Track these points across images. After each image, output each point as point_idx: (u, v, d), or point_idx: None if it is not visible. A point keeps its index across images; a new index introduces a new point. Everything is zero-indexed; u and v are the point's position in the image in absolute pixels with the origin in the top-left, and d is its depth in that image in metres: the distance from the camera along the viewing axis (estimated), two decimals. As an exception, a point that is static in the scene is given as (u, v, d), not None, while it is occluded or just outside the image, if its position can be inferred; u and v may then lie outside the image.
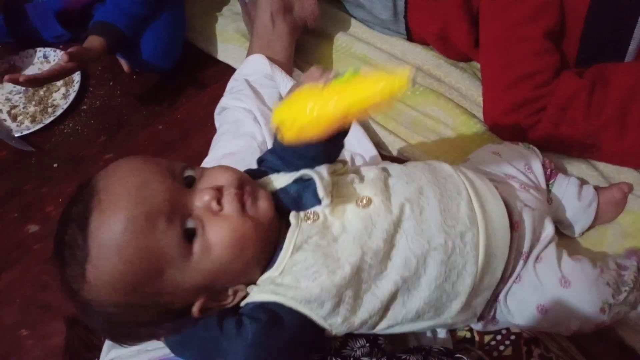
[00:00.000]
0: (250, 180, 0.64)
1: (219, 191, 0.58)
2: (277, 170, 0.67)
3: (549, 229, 0.74)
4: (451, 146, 0.99)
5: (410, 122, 1.03)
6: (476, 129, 1.00)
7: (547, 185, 0.86)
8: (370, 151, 0.94)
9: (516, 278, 0.70)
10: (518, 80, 0.92)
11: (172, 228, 0.56)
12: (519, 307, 0.70)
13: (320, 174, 0.64)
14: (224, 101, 0.97)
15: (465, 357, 0.67)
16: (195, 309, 0.59)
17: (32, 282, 0.98)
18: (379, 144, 0.99)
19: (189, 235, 0.57)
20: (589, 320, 0.70)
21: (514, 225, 0.70)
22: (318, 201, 0.63)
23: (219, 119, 0.98)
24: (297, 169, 0.66)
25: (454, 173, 0.70)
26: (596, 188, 0.88)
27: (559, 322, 0.71)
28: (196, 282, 0.57)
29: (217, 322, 0.59)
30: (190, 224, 0.57)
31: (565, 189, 0.86)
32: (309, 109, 0.55)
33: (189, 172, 0.61)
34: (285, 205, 0.64)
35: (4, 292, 0.98)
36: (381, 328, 0.65)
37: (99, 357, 0.80)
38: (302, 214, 0.63)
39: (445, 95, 1.05)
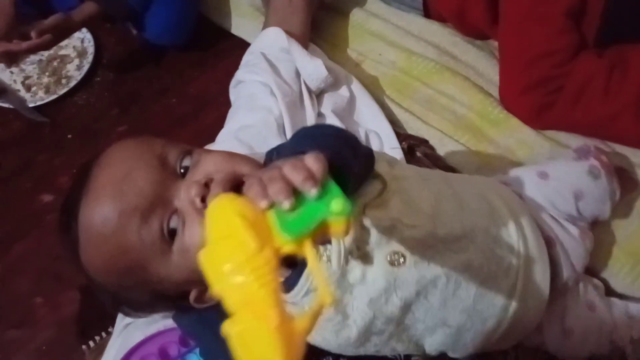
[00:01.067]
0: (243, 175, 0.54)
1: (206, 186, 0.52)
2: None
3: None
4: (466, 125, 0.98)
5: (426, 100, 1.01)
6: (492, 108, 0.99)
7: None
8: (385, 129, 0.94)
9: None
10: (536, 59, 0.90)
11: (147, 227, 0.53)
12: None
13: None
14: (239, 74, 0.96)
15: None
16: (191, 298, 0.58)
17: (45, 252, 0.98)
18: (393, 122, 0.98)
19: (171, 233, 0.53)
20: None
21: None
22: None
23: (234, 92, 0.97)
24: None
25: (516, 242, 0.62)
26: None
27: (578, 344, 0.71)
28: (182, 276, 0.55)
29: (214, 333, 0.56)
30: (172, 222, 0.53)
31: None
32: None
33: (186, 162, 0.56)
34: None
35: (18, 262, 0.99)
36: None
37: (112, 325, 0.82)
38: (320, 249, 0.53)
39: (462, 74, 1.04)
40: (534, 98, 0.92)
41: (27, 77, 1.22)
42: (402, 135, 0.94)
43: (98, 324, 0.88)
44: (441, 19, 1.13)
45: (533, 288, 0.62)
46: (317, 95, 0.97)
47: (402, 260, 0.54)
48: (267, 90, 0.90)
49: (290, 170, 0.39)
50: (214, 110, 1.09)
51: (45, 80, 1.21)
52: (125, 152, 0.57)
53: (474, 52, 1.07)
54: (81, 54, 1.24)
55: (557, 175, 0.74)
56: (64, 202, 0.60)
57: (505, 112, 0.98)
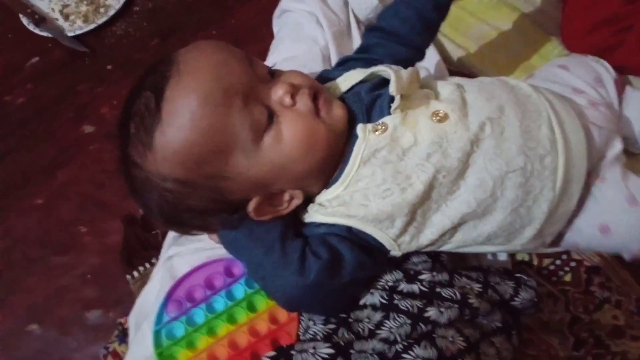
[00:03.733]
0: (324, 88, 0.62)
1: (293, 87, 0.57)
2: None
3: (617, 147, 0.69)
4: (521, 63, 0.93)
5: (480, 36, 0.96)
6: (552, 48, 0.93)
7: (619, 97, 0.80)
8: (437, 64, 0.89)
9: None
10: (605, -6, 0.84)
11: (248, 110, 0.55)
12: (581, 226, 0.67)
13: (397, 70, 0.61)
14: (284, 3, 0.92)
15: (524, 277, 0.66)
16: (251, 206, 0.58)
17: (88, 181, 0.99)
18: (445, 59, 0.93)
19: (263, 122, 0.55)
20: None
21: None
22: (389, 113, 0.61)
23: (278, 22, 0.93)
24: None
25: (534, 93, 0.65)
26: None
27: (622, 242, 0.67)
28: (259, 173, 0.56)
29: (280, 239, 0.58)
30: (265, 112, 0.56)
31: (632, 104, 0.80)
32: None
33: (265, 67, 0.60)
34: (354, 116, 0.61)
35: (62, 189, 1.00)
36: (448, 248, 0.63)
37: (156, 257, 0.82)
38: (369, 125, 0.60)
39: (520, 9, 0.97)
40: (600, 37, 0.86)
41: (65, 6, 1.20)
42: (454, 73, 0.90)
43: (142, 253, 0.89)
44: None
45: (568, 130, 0.63)
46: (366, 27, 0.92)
47: (445, 116, 0.60)
48: (313, 19, 0.86)
49: None
50: (256, 43, 1.05)
51: (84, 8, 1.18)
52: (217, 44, 0.58)
53: (535, -14, 1.00)
54: (119, -19, 1.20)
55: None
56: (133, 93, 0.57)
57: (567, 52, 0.92)
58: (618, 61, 0.87)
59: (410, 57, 0.72)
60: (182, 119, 0.53)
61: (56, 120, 1.07)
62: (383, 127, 0.60)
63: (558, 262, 0.76)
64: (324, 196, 0.60)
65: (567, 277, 0.76)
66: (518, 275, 0.66)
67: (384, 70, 0.62)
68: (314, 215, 0.60)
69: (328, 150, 0.58)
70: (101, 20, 1.16)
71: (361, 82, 0.65)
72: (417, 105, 0.62)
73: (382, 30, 0.72)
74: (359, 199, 0.58)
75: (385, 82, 0.62)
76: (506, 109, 0.62)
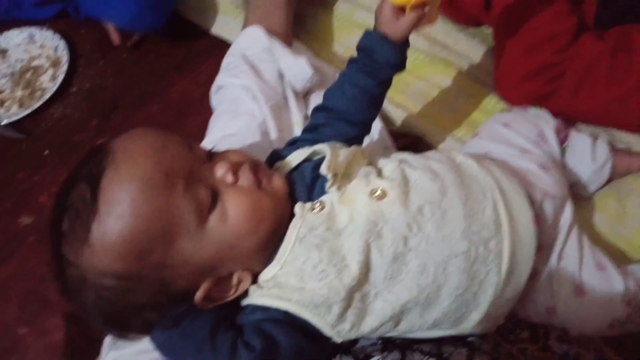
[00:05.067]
0: (261, 162, 0.63)
1: (234, 164, 0.58)
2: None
3: (567, 212, 0.70)
4: (463, 119, 0.93)
5: (419, 94, 0.97)
6: (488, 99, 0.95)
7: (562, 147, 0.81)
8: (378, 128, 0.89)
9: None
10: (535, 45, 0.86)
11: (191, 192, 0.53)
12: (529, 304, 0.67)
13: (335, 148, 0.62)
14: (220, 79, 0.91)
15: (477, 341, 0.64)
16: (199, 294, 0.55)
17: (29, 276, 0.94)
18: (386, 119, 0.93)
19: (206, 204, 0.54)
20: (593, 329, 0.68)
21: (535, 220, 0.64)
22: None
23: (215, 97, 0.92)
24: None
25: (480, 172, 0.64)
26: (612, 147, 0.84)
27: (563, 323, 0.68)
28: (206, 257, 0.54)
29: (210, 334, 0.55)
30: (209, 192, 0.55)
31: (578, 150, 0.82)
32: None
33: (203, 149, 0.60)
34: (295, 195, 0.61)
35: (1, 288, 0.94)
36: (393, 335, 0.61)
37: (99, 352, 0.77)
38: (308, 204, 0.59)
39: (455, 64, 0.99)
40: (533, 86, 0.88)
41: (-1, 92, 1.17)
42: (395, 134, 0.90)
43: (86, 349, 0.84)
44: (430, 6, 1.08)
45: (515, 211, 0.62)
46: (304, 96, 0.92)
47: (383, 194, 0.59)
48: (250, 94, 0.86)
49: None
50: (197, 116, 1.04)
51: (19, 93, 1.15)
52: (152, 130, 0.57)
53: (466, 41, 1.02)
54: (55, 63, 1.17)
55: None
56: (66, 185, 0.54)
57: (503, 102, 0.94)
58: (554, 108, 0.89)
59: (358, 134, 0.72)
60: (121, 207, 0.50)
61: (-8, 214, 1.02)
62: (320, 206, 0.59)
63: (514, 319, 0.75)
64: (262, 277, 0.58)
65: (525, 334, 0.74)
66: (471, 340, 0.64)
67: (324, 149, 0.63)
68: (252, 296, 0.58)
69: (274, 221, 0.57)
70: (37, 104, 1.13)
71: (306, 160, 0.65)
72: (357, 182, 0.61)
73: (329, 110, 0.72)
74: (294, 281, 0.56)
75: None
76: (449, 190, 0.60)
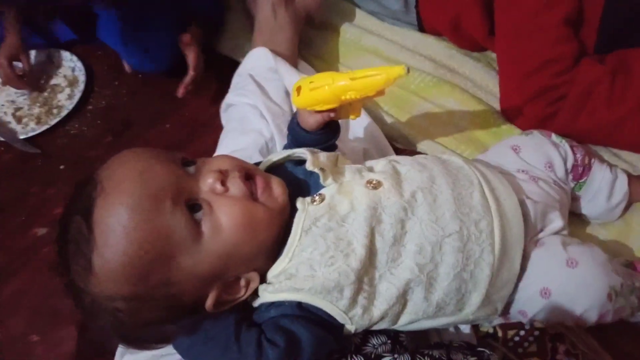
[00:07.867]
0: (256, 168, 0.64)
1: (222, 174, 0.58)
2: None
3: (556, 224, 0.72)
4: (469, 138, 0.96)
5: (425, 114, 1.00)
6: (493, 120, 0.97)
7: (579, 182, 0.82)
8: (384, 146, 0.92)
9: None
10: (536, 69, 0.89)
11: (178, 209, 0.55)
12: (522, 292, 0.68)
13: (313, 151, 0.66)
14: (229, 98, 0.95)
15: (487, 351, 0.65)
16: (209, 302, 0.57)
17: (41, 287, 0.95)
18: (393, 138, 0.96)
19: (197, 217, 0.56)
20: (593, 306, 0.67)
21: None
22: (323, 187, 0.64)
23: (225, 116, 0.96)
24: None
25: (465, 165, 0.70)
26: (629, 176, 0.84)
27: (563, 306, 0.68)
28: (207, 268, 0.56)
29: (234, 335, 0.56)
30: (196, 205, 0.56)
31: (596, 186, 0.82)
32: (324, 82, 0.63)
33: (188, 161, 0.61)
34: (292, 192, 0.63)
35: (13, 299, 0.95)
36: (402, 323, 0.63)
37: (112, 364, 0.78)
38: (308, 198, 0.63)
39: (460, 86, 1.02)
40: (536, 108, 0.91)
41: (17, 109, 1.20)
42: (401, 152, 0.92)
43: (97, 360, 0.85)
44: (436, 32, 1.12)
45: (501, 196, 0.67)
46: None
47: (379, 184, 0.63)
48: (257, 112, 0.89)
49: None
50: (209, 134, 1.07)
51: (37, 110, 1.19)
52: (134, 152, 0.59)
53: (471, 64, 1.05)
54: (72, 82, 1.22)
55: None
56: (64, 218, 0.57)
57: (508, 123, 0.96)
58: (555, 129, 0.91)
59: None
60: (115, 236, 0.52)
61: (7, 226, 1.04)
62: (320, 198, 0.62)
63: (522, 332, 0.76)
64: (271, 273, 0.60)
65: (533, 348, 0.75)
66: (481, 350, 0.65)
67: (302, 152, 0.66)
68: (263, 295, 0.60)
69: (271, 229, 0.59)
70: (54, 121, 1.16)
71: (284, 164, 0.69)
72: (352, 176, 0.65)
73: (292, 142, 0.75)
74: (305, 270, 0.58)
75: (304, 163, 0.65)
76: (437, 179, 0.65)
